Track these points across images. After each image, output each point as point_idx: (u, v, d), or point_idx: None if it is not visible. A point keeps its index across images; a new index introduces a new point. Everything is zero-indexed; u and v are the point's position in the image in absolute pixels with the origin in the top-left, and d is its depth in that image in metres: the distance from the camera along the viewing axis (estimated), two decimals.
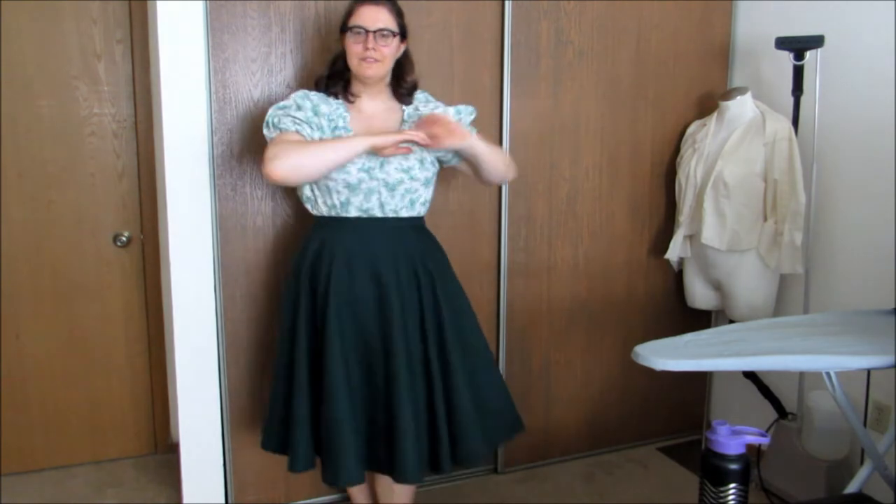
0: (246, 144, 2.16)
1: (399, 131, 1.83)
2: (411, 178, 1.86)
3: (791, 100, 2.39)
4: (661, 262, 2.78)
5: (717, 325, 2.85)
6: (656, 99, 2.68)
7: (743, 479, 1.53)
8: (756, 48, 2.67)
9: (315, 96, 1.86)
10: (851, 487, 1.85)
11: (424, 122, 1.79)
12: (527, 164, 2.51)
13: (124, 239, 2.61)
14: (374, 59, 1.80)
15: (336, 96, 1.88)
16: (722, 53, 2.75)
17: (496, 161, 1.96)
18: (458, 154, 1.97)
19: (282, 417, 1.90)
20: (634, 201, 2.72)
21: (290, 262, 1.99)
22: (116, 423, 2.71)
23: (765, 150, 2.36)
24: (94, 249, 2.58)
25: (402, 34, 1.87)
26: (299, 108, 1.81)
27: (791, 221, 2.31)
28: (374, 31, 1.79)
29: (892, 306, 2.14)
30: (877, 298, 2.25)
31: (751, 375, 2.60)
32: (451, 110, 1.94)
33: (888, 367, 1.61)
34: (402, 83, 1.95)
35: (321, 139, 1.80)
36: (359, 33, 1.80)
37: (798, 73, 2.35)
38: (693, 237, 2.57)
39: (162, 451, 2.78)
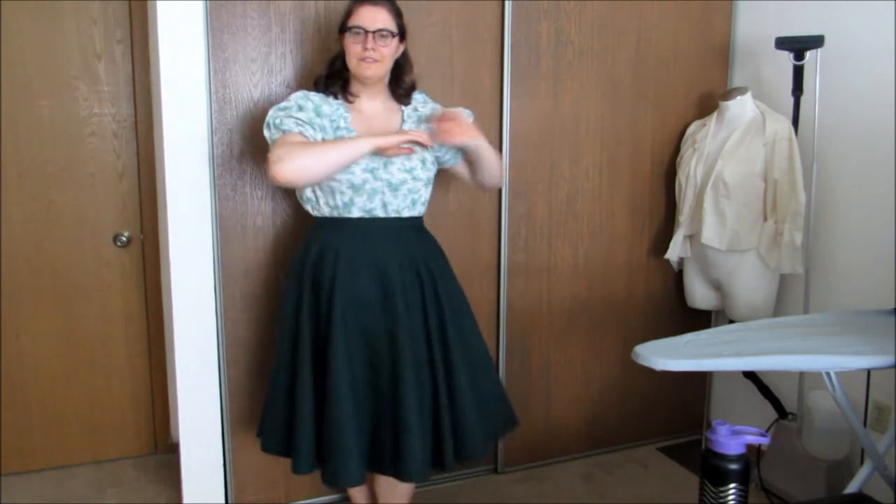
0: (246, 144, 2.16)
1: (402, 131, 1.84)
2: (414, 179, 1.87)
3: (791, 100, 2.39)
4: (661, 262, 2.78)
5: (717, 325, 2.85)
6: (656, 99, 2.68)
7: (743, 479, 1.53)
8: (756, 48, 2.67)
9: (315, 97, 1.86)
10: (851, 487, 1.85)
11: (441, 117, 1.82)
12: (527, 164, 2.51)
13: (124, 239, 2.61)
14: (373, 60, 1.81)
15: (335, 96, 1.89)
16: (722, 53, 2.75)
17: (496, 165, 2.00)
18: (458, 155, 2.00)
19: (284, 419, 1.89)
20: (634, 201, 2.72)
21: (289, 262, 1.99)
22: (116, 423, 2.71)
23: (765, 150, 2.36)
24: (94, 249, 2.58)
25: (401, 34, 1.87)
26: (301, 108, 1.81)
27: (791, 221, 2.31)
28: (374, 32, 1.79)
29: (892, 306, 2.14)
30: (877, 298, 2.25)
31: (751, 375, 2.60)
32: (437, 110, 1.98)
33: (888, 367, 1.61)
34: (400, 83, 1.95)
35: (325, 140, 1.80)
36: (358, 33, 1.80)
37: (798, 73, 2.35)
38: (693, 237, 2.57)
39: (162, 451, 2.78)
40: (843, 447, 2.30)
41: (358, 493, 2.17)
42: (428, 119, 1.92)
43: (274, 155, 1.67)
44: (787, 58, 2.37)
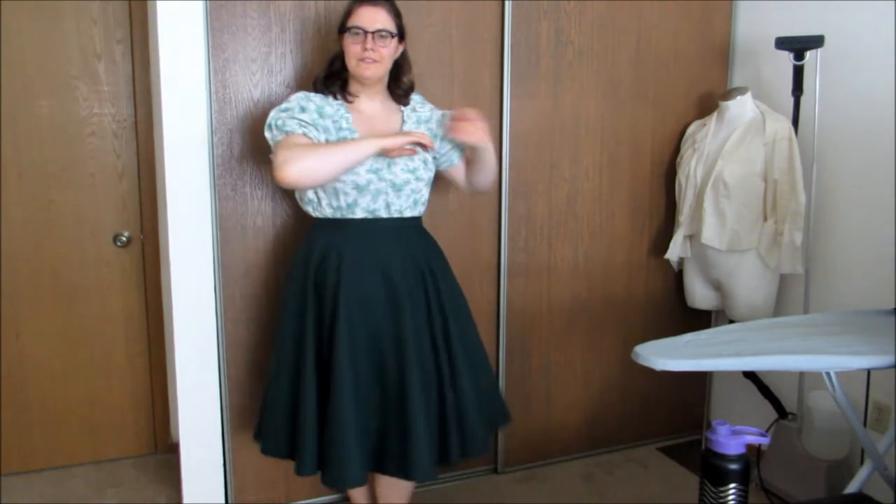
0: (246, 144, 2.16)
1: (406, 132, 1.84)
2: (417, 179, 1.88)
3: (791, 100, 2.39)
4: (661, 262, 2.78)
5: (717, 325, 2.85)
6: (656, 99, 2.68)
7: (743, 479, 1.53)
8: (756, 48, 2.67)
9: (317, 97, 1.86)
10: (851, 487, 1.85)
11: (459, 116, 1.85)
12: (527, 164, 2.51)
13: (124, 239, 2.61)
14: (372, 60, 1.81)
15: (335, 97, 1.89)
16: (722, 53, 2.75)
17: (494, 168, 2.04)
18: (454, 157, 2.02)
19: (287, 421, 1.87)
20: (634, 201, 2.72)
21: (289, 264, 1.98)
22: (116, 423, 2.71)
23: (765, 150, 2.36)
24: (94, 249, 2.58)
25: (401, 35, 1.87)
26: (303, 109, 1.80)
27: (791, 221, 2.31)
28: (373, 32, 1.79)
29: (892, 306, 2.14)
30: (877, 298, 2.25)
31: (751, 375, 2.60)
32: (446, 114, 1.99)
33: (888, 367, 1.61)
34: (399, 84, 1.96)
35: (330, 142, 1.79)
36: (357, 34, 1.80)
37: (798, 73, 2.35)
38: (693, 237, 2.57)
39: (162, 451, 2.78)
40: (843, 447, 2.30)
41: (358, 494, 2.17)
42: (442, 117, 1.98)
43: (279, 157, 1.67)
44: (787, 58, 2.37)
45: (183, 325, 2.15)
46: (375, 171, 1.81)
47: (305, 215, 1.96)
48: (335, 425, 1.78)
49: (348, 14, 1.84)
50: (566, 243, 2.63)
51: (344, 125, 1.84)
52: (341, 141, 1.80)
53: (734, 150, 2.40)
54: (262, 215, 2.21)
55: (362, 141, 1.75)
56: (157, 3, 2.00)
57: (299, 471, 1.82)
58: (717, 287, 2.58)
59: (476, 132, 1.86)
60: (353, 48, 1.81)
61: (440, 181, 2.10)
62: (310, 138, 1.75)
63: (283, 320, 1.91)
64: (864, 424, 2.04)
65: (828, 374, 1.71)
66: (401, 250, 1.88)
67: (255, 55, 2.13)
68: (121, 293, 2.64)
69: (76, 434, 2.66)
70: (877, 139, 2.26)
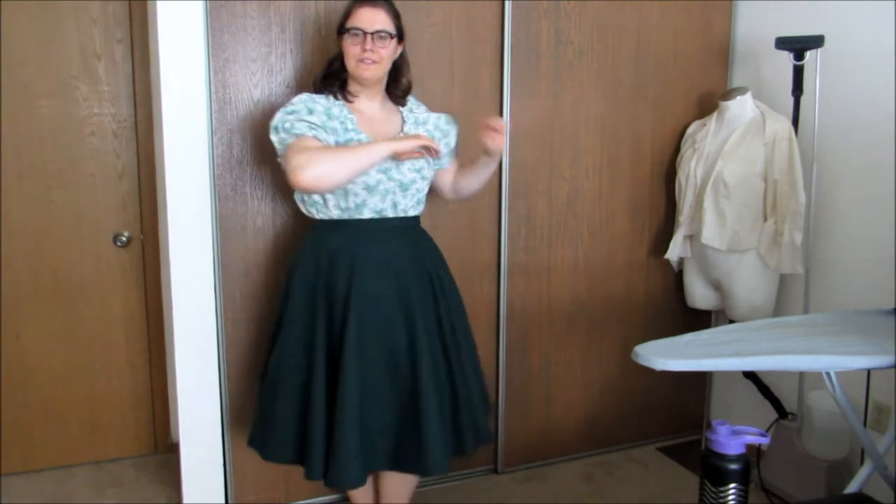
0: (246, 144, 2.16)
1: (416, 135, 1.85)
2: (423, 178, 1.91)
3: (791, 100, 2.39)
4: (661, 262, 2.78)
5: (717, 325, 2.85)
6: (656, 99, 2.68)
7: (743, 479, 1.53)
8: (756, 48, 2.67)
9: (321, 99, 1.86)
10: (851, 487, 1.85)
11: (493, 124, 1.86)
12: (527, 164, 2.51)
13: (124, 239, 2.61)
14: (371, 61, 1.81)
15: (335, 97, 1.89)
16: (722, 53, 2.75)
17: (489, 179, 2.09)
18: (448, 160, 2.04)
19: (295, 425, 1.85)
20: (634, 201, 2.72)
21: (290, 266, 1.96)
22: (116, 423, 2.71)
23: (765, 150, 2.36)
24: (94, 249, 2.58)
25: (400, 36, 1.87)
26: (311, 111, 1.79)
27: (791, 221, 2.31)
28: (372, 33, 1.80)
29: (892, 306, 2.14)
30: (877, 298, 2.25)
31: (751, 375, 2.60)
32: (443, 117, 2.04)
33: (888, 367, 1.61)
34: (398, 84, 1.97)
35: (344, 145, 1.79)
36: (356, 35, 1.80)
37: (798, 73, 2.35)
38: (693, 237, 2.57)
39: (162, 451, 2.78)
40: (843, 447, 2.30)
41: (359, 494, 2.16)
42: (439, 120, 2.01)
43: (294, 161, 1.65)
44: (787, 58, 2.37)
45: (183, 325, 2.15)
46: (385, 171, 1.82)
47: (306, 216, 1.95)
48: (337, 427, 1.78)
49: (347, 15, 1.84)
50: (566, 243, 2.63)
51: (349, 126, 1.84)
52: (354, 144, 1.79)
53: (734, 150, 2.40)
54: (262, 215, 2.21)
55: (375, 144, 1.74)
56: (157, 3, 2.00)
57: (310, 475, 1.80)
58: (717, 287, 2.58)
59: (501, 142, 1.89)
60: (352, 49, 1.82)
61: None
62: (320, 141, 1.75)
63: (288, 324, 1.89)
64: (864, 424, 2.04)
65: (828, 374, 1.71)
66: (407, 249, 1.90)
67: (255, 55, 2.13)
68: (121, 293, 2.64)
69: (76, 434, 2.66)
70: (877, 139, 2.26)
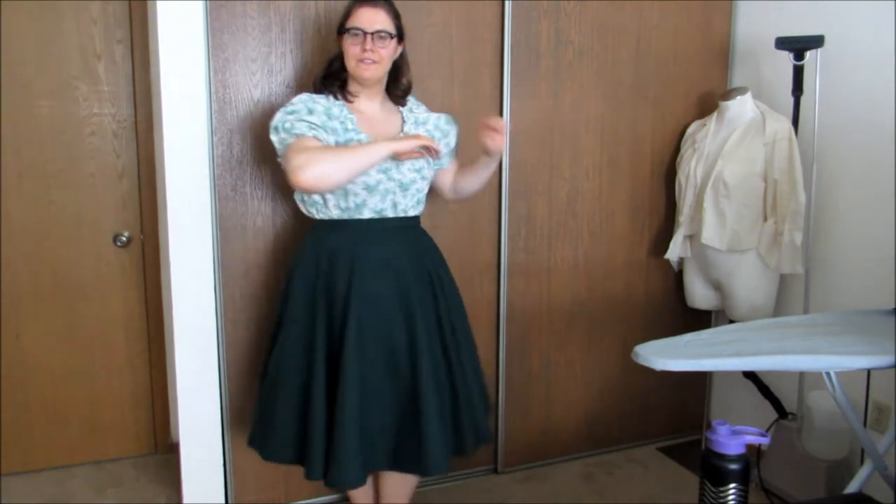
0: (246, 144, 2.16)
1: (415, 136, 1.85)
2: (423, 178, 1.91)
3: (791, 100, 2.39)
4: (661, 262, 2.78)
5: (717, 325, 2.85)
6: (656, 99, 2.68)
7: (743, 479, 1.53)
8: (756, 48, 2.67)
9: (321, 98, 1.86)
10: (851, 487, 1.85)
11: (494, 125, 1.87)
12: (527, 164, 2.51)
13: (124, 239, 2.61)
14: (371, 61, 1.81)
15: (335, 97, 1.89)
16: (722, 53, 2.75)
17: (488, 179, 2.09)
18: (445, 160, 2.04)
19: (296, 425, 1.85)
20: (634, 201, 2.72)
21: (290, 266, 1.96)
22: (116, 423, 2.71)
23: (765, 150, 2.36)
24: (94, 249, 2.58)
25: (400, 36, 1.87)
26: (311, 111, 1.79)
27: (791, 221, 2.31)
28: (372, 33, 1.80)
29: (892, 306, 2.14)
30: (877, 298, 2.25)
31: (751, 375, 2.60)
32: (443, 117, 2.04)
33: (888, 367, 1.61)
34: (398, 84, 1.97)
35: (344, 145, 1.79)
36: (356, 35, 1.80)
37: (798, 73, 2.35)
38: (693, 237, 2.57)
39: (162, 451, 2.78)
40: (843, 447, 2.30)
41: (359, 494, 2.16)
42: (440, 120, 2.02)
43: (294, 161, 1.65)
44: (787, 58, 2.37)
45: (183, 325, 2.15)
46: (385, 171, 1.82)
47: (306, 216, 1.95)
48: (337, 426, 1.78)
49: (347, 15, 1.84)
50: (566, 243, 2.63)
51: (349, 126, 1.84)
52: (354, 144, 1.79)
53: (734, 150, 2.40)
54: (262, 215, 2.21)
55: (376, 145, 1.74)
56: (157, 3, 2.00)
57: (309, 476, 1.80)
58: (717, 287, 2.58)
59: (501, 142, 1.90)
60: (352, 49, 1.82)
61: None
62: (320, 141, 1.74)
63: (288, 324, 1.89)
64: (864, 424, 2.04)
65: (828, 374, 1.71)
66: (408, 250, 1.90)
67: (255, 55, 2.13)
68: (121, 293, 2.64)
69: (76, 434, 2.66)
70: (877, 139, 2.26)
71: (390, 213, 1.87)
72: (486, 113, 2.41)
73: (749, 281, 2.44)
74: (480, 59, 2.40)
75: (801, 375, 2.46)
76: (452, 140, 2.04)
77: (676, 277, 2.81)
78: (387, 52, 1.83)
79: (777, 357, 1.59)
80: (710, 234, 2.44)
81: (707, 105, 2.73)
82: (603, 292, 2.72)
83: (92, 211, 2.56)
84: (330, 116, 1.82)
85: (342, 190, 1.81)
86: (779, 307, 2.56)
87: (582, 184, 2.61)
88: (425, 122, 2.00)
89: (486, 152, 1.93)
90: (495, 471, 2.66)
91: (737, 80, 2.76)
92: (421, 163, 1.88)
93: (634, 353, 1.64)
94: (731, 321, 2.52)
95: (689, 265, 2.65)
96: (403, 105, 1.99)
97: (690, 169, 2.52)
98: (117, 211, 2.59)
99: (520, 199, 2.52)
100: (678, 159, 2.68)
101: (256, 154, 2.17)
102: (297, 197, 1.93)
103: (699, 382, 2.96)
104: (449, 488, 2.54)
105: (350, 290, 1.81)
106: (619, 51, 2.58)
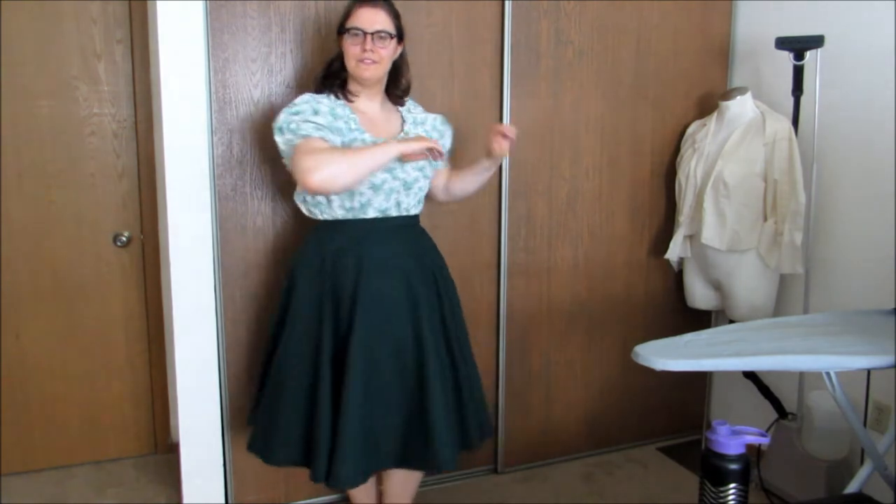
0: (246, 144, 2.16)
1: (420, 138, 1.86)
2: (425, 177, 1.93)
3: (791, 100, 2.39)
4: (661, 262, 2.78)
5: (717, 325, 2.85)
6: (656, 99, 2.68)
7: (743, 479, 1.53)
8: (756, 48, 2.67)
9: (325, 99, 1.85)
10: (851, 487, 1.85)
11: (504, 130, 1.90)
12: (527, 164, 2.51)
13: (124, 239, 2.61)
14: (371, 61, 1.81)
15: (336, 96, 1.89)
16: (722, 53, 2.75)
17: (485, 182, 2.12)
18: (440, 161, 2.02)
19: (301, 427, 1.84)
20: (634, 201, 2.72)
21: (292, 266, 1.95)
22: (116, 423, 2.71)
23: (765, 150, 2.36)
24: (94, 249, 2.58)
25: (400, 36, 1.88)
26: (316, 112, 1.79)
27: (791, 221, 2.31)
28: (372, 33, 1.80)
29: (892, 306, 2.14)
30: (877, 298, 2.25)
31: (751, 375, 2.60)
32: (438, 118, 2.05)
33: (888, 367, 1.61)
34: (398, 85, 1.97)
35: (348, 145, 1.79)
36: (356, 35, 1.81)
37: (798, 73, 2.35)
38: (693, 237, 2.57)
39: (162, 451, 2.78)
40: (843, 447, 2.30)
41: (360, 494, 2.16)
42: (436, 121, 2.03)
43: (303, 163, 1.65)
44: (787, 58, 2.37)
45: (183, 325, 2.15)
46: (390, 171, 1.83)
47: (306, 217, 1.95)
48: (339, 425, 1.77)
49: (347, 15, 1.84)
50: (566, 243, 2.63)
51: (353, 126, 1.84)
52: (363, 146, 1.79)
53: (734, 150, 2.40)
54: (262, 215, 2.21)
55: (383, 146, 1.75)
56: (157, 3, 2.00)
57: (315, 477, 1.79)
58: (717, 287, 2.58)
59: (507, 148, 1.92)
60: (352, 49, 1.82)
61: None
62: (327, 142, 1.75)
63: (293, 325, 1.87)
64: (864, 424, 2.04)
65: (828, 374, 1.71)
66: (412, 249, 1.92)
67: (255, 55, 2.13)
68: (121, 293, 2.64)
69: (76, 434, 2.66)
70: (877, 139, 2.26)
71: (394, 213, 1.88)
72: (487, 113, 2.42)
73: (749, 281, 2.44)
74: (480, 59, 2.40)
75: (801, 375, 2.46)
76: (448, 141, 2.05)
77: (676, 277, 2.81)
78: (387, 52, 1.84)
79: (777, 357, 1.59)
80: (710, 234, 2.44)
81: (707, 105, 2.73)
82: (603, 292, 2.72)
83: (92, 211, 2.56)
84: (335, 116, 1.82)
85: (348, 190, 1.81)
86: (779, 307, 2.56)
87: (582, 184, 2.61)
88: (423, 122, 2.00)
89: (490, 155, 1.95)
90: (495, 471, 2.66)
91: (737, 80, 2.76)
92: (423, 162, 1.89)
93: (634, 353, 1.64)
94: (731, 321, 2.52)
95: (689, 265, 2.65)
96: (402, 105, 2.00)
97: (690, 169, 2.52)
98: (117, 211, 2.59)
99: (520, 199, 2.52)
100: (678, 159, 2.68)
101: (256, 154, 2.17)
102: (298, 198, 1.93)
103: (699, 382, 2.96)
104: (449, 488, 2.54)
105: (357, 290, 1.81)
106: (619, 51, 2.58)
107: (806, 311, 2.42)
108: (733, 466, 1.52)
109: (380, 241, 1.86)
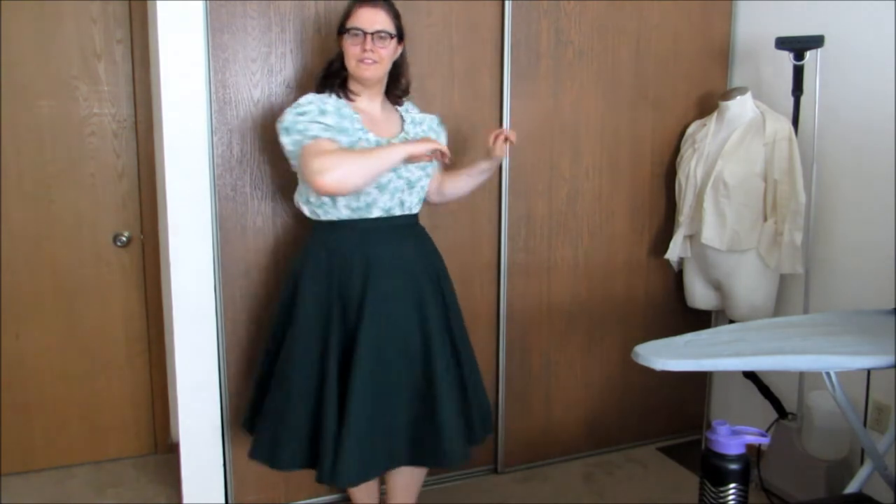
0: (246, 144, 2.16)
1: (426, 139, 1.87)
2: (427, 176, 1.94)
3: (791, 100, 2.39)
4: (661, 262, 2.78)
5: (717, 325, 2.85)
6: (656, 99, 2.68)
7: (743, 479, 1.53)
8: (756, 48, 2.67)
9: (329, 99, 1.85)
10: (851, 487, 1.85)
11: (506, 134, 1.98)
12: (527, 164, 2.51)
13: (124, 239, 2.61)
14: (372, 61, 1.81)
15: (338, 95, 1.89)
16: (722, 53, 2.75)
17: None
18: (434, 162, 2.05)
19: (308, 429, 1.82)
20: (634, 201, 2.72)
21: (296, 266, 1.94)
22: (116, 423, 2.71)
23: (765, 150, 2.36)
24: (94, 249, 2.58)
25: (400, 36, 1.88)
26: (323, 112, 1.79)
27: (791, 221, 2.31)
28: (372, 33, 1.80)
29: (892, 306, 2.14)
30: (877, 298, 2.25)
31: (751, 375, 2.60)
32: (434, 119, 2.08)
33: (888, 367, 1.61)
34: (398, 85, 1.98)
35: (357, 147, 1.80)
36: (357, 35, 1.81)
37: (798, 73, 2.35)
38: (693, 237, 2.57)
39: (162, 451, 2.78)
40: (843, 447, 2.30)
41: (361, 494, 2.16)
42: (433, 122, 2.06)
43: (316, 165, 1.66)
44: (787, 58, 2.37)
45: (183, 325, 2.15)
46: (395, 170, 1.84)
47: (306, 217, 1.95)
48: (343, 424, 1.77)
49: (347, 15, 1.84)
50: (566, 243, 2.63)
51: (357, 125, 1.84)
52: (373, 147, 1.80)
53: (734, 150, 2.40)
54: (262, 215, 2.21)
55: (392, 148, 1.76)
56: (157, 3, 2.00)
57: (320, 478, 1.78)
58: (717, 287, 2.58)
59: (504, 151, 2.01)
60: (352, 49, 1.82)
61: None
62: (335, 142, 1.75)
63: (301, 329, 1.85)
64: (864, 424, 2.04)
65: (828, 374, 1.71)
66: (416, 248, 1.93)
67: (255, 55, 2.13)
68: (121, 293, 2.64)
69: (76, 434, 2.66)
70: (877, 139, 2.26)
71: (397, 211, 1.88)
72: (487, 113, 2.42)
73: (749, 281, 2.44)
74: (480, 59, 2.40)
75: (801, 375, 2.46)
76: (443, 142, 2.06)
77: (676, 277, 2.81)
78: (387, 51, 1.84)
79: (777, 357, 1.59)
80: (710, 234, 2.44)
81: (707, 105, 2.73)
82: (603, 292, 2.72)
83: (92, 211, 2.56)
84: (342, 116, 1.82)
85: None
86: (779, 307, 2.56)
87: (582, 184, 2.61)
88: (421, 122, 2.02)
89: (490, 157, 1.99)
90: (495, 471, 2.66)
91: (737, 80, 2.76)
92: (424, 161, 1.90)
93: (634, 353, 1.64)
94: (731, 321, 2.52)
95: (689, 265, 2.65)
96: (400, 105, 2.01)
97: (690, 169, 2.52)
98: (117, 211, 2.59)
99: (520, 199, 2.52)
100: (678, 159, 2.68)
101: (256, 154, 2.17)
102: (300, 199, 1.92)
103: (699, 382, 2.96)
104: (449, 488, 2.54)
105: (365, 290, 1.81)
106: (619, 51, 2.58)
107: (806, 311, 2.42)
108: (733, 466, 1.52)
109: (386, 240, 1.86)
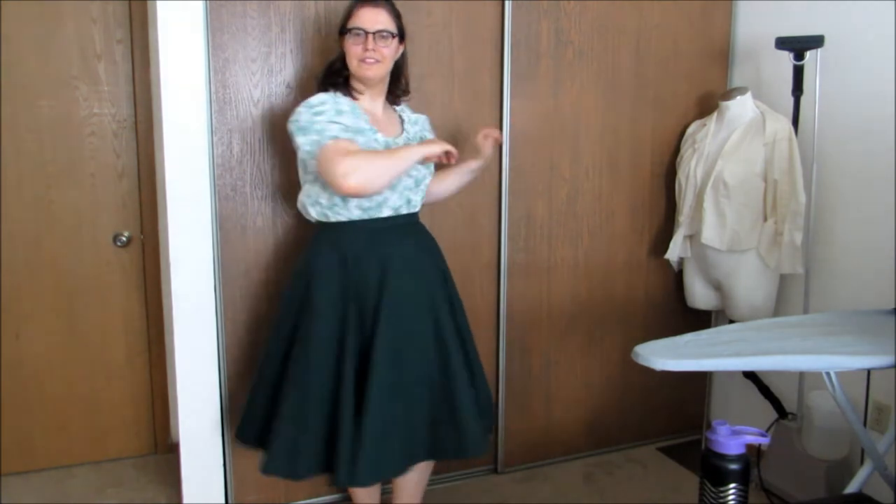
0: (246, 145, 2.16)
1: (436, 141, 1.90)
2: (430, 174, 1.96)
3: (791, 100, 2.39)
4: (661, 262, 2.78)
5: (717, 325, 2.85)
6: (656, 99, 2.68)
7: (743, 479, 1.53)
8: (756, 48, 2.67)
9: (343, 100, 1.84)
10: (851, 487, 1.85)
11: (494, 134, 2.06)
12: (527, 164, 2.51)
13: (124, 239, 2.61)
14: (374, 60, 1.81)
15: (344, 95, 1.88)
16: (722, 53, 2.75)
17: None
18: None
19: (324, 433, 1.80)
20: (634, 201, 2.72)
21: (311, 273, 1.87)
22: (116, 423, 2.71)
23: (765, 150, 2.36)
24: (94, 249, 2.58)
25: (401, 35, 1.88)
26: (339, 112, 1.78)
27: (791, 221, 2.31)
28: (374, 33, 1.80)
29: (892, 306, 2.14)
30: (877, 298, 2.25)
31: (751, 375, 2.60)
32: (427, 118, 2.10)
33: (888, 367, 1.61)
34: (398, 84, 1.98)
35: (377, 150, 1.80)
36: (358, 35, 1.81)
37: (798, 73, 2.35)
38: (693, 237, 2.57)
39: (162, 451, 2.78)
40: (843, 447, 2.30)
41: (362, 494, 2.15)
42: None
43: (339, 167, 1.66)
44: (787, 58, 2.37)
45: (183, 325, 2.15)
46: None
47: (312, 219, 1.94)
48: (360, 424, 1.76)
49: (349, 15, 1.84)
50: (566, 243, 2.63)
51: (365, 125, 1.84)
52: (391, 149, 1.81)
53: (734, 150, 2.40)
54: (263, 216, 2.21)
55: (409, 150, 1.79)
56: (157, 3, 2.00)
57: (338, 481, 1.76)
58: (717, 287, 2.58)
59: (491, 151, 2.08)
60: (353, 49, 1.82)
61: None
62: (355, 143, 1.76)
63: (317, 332, 1.81)
64: (864, 424, 2.04)
65: (828, 374, 1.71)
66: (423, 247, 1.95)
67: (255, 55, 2.13)
68: (121, 293, 2.64)
69: (76, 434, 2.66)
70: (877, 139, 2.26)
71: (404, 210, 1.90)
72: (487, 113, 2.42)
73: (749, 281, 2.44)
74: (480, 59, 2.40)
75: (801, 375, 2.46)
76: None
77: (676, 277, 2.81)
78: (389, 51, 1.84)
79: (777, 357, 1.59)
80: (710, 234, 2.44)
81: (707, 105, 2.73)
82: (603, 292, 2.72)
83: (92, 211, 2.56)
84: (356, 115, 1.82)
85: None
86: (779, 307, 2.56)
87: (582, 184, 2.61)
88: (416, 122, 2.03)
89: (480, 156, 2.04)
90: (495, 471, 2.66)
91: (737, 80, 2.76)
92: (435, 161, 1.93)
93: (634, 353, 1.64)
94: (731, 321, 2.52)
95: (689, 265, 2.65)
96: (398, 105, 2.02)
97: (690, 169, 2.52)
98: (117, 211, 2.59)
99: (520, 199, 2.52)
100: (678, 159, 2.68)
101: (256, 154, 2.17)
102: (308, 201, 1.88)
103: (699, 382, 2.96)
104: (449, 488, 2.54)
105: (382, 292, 1.81)
106: (619, 51, 2.58)
107: (806, 311, 2.42)
108: (733, 466, 1.52)
109: (396, 240, 1.87)
